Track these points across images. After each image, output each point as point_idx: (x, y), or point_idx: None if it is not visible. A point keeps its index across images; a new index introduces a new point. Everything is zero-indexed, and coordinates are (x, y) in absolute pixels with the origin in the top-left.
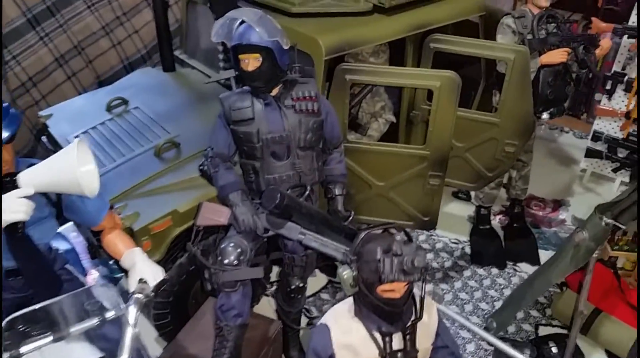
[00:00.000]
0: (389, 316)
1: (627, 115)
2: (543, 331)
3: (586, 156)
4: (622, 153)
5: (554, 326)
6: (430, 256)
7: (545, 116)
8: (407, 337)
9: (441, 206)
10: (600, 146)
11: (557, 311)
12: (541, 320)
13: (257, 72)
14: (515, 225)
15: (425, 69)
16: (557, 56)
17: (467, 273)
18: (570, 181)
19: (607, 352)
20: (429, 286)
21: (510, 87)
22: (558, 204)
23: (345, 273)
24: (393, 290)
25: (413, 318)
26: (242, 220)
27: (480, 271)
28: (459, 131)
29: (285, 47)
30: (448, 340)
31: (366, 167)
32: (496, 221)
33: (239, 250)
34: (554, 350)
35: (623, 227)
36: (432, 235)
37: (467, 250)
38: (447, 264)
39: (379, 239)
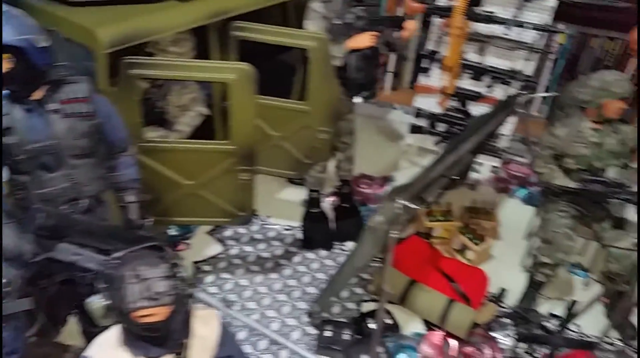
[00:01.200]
0: (154, 340)
1: (443, 91)
2: (366, 308)
3: (410, 131)
4: (442, 127)
5: (375, 301)
6: (262, 246)
7: (358, 99)
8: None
9: (276, 193)
10: (422, 122)
11: (377, 287)
12: (364, 297)
13: (10, 75)
14: (344, 205)
15: (218, 61)
16: (364, 40)
17: (297, 259)
18: (397, 157)
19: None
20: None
21: (314, 75)
22: (385, 181)
23: (95, 303)
24: (151, 314)
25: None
26: (5, 246)
27: (310, 255)
28: (274, 120)
29: (42, 45)
30: (233, 350)
31: (172, 166)
32: (328, 203)
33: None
34: (372, 325)
35: (416, 207)
36: (265, 224)
37: (300, 235)
38: (279, 252)
39: (135, 261)
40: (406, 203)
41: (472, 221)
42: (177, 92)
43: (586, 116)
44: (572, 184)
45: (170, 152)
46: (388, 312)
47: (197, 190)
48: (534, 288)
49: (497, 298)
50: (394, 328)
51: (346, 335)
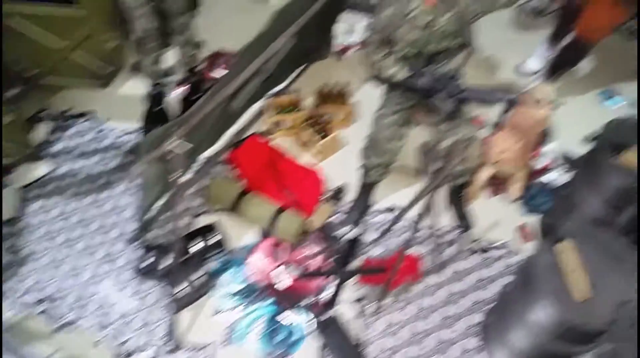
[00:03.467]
0: None
1: None
2: (202, 221)
3: None
4: None
5: (215, 212)
6: (96, 159)
7: None
8: None
9: (118, 87)
10: None
11: (211, 196)
12: (201, 209)
13: None
14: (193, 98)
15: None
16: None
17: (134, 171)
18: (265, 21)
19: None
20: None
21: None
22: None
23: None
24: None
25: None
26: None
27: None
28: (56, 31)
29: None
30: None
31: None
32: (175, 95)
33: None
34: (215, 239)
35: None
36: (101, 130)
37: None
38: (113, 164)
39: None
40: (175, 145)
41: (323, 109)
42: None
43: None
44: (399, 75)
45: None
46: (214, 229)
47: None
48: (366, 187)
49: (335, 197)
50: (220, 245)
51: (168, 260)
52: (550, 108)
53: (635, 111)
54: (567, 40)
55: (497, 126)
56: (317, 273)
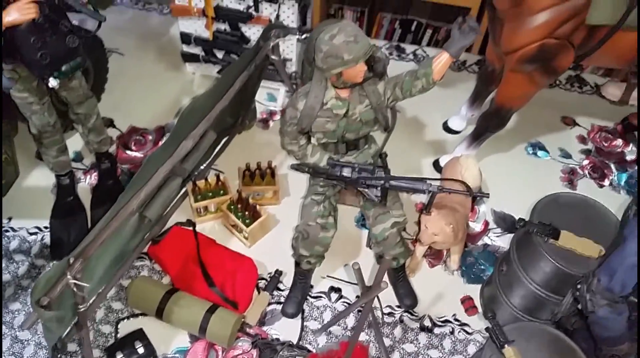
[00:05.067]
0: None
1: (204, 13)
2: (125, 327)
3: (184, 61)
4: (220, 54)
5: (135, 317)
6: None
7: (53, 82)
8: None
9: (23, 179)
10: (194, 49)
11: (132, 299)
12: (123, 313)
13: None
14: (105, 183)
15: None
16: (21, 12)
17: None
18: (181, 90)
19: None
20: None
21: None
22: (161, 131)
23: None
24: None
25: None
26: None
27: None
28: None
29: None
30: None
31: None
32: (86, 183)
33: None
34: (141, 350)
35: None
36: (7, 231)
37: (48, 239)
38: (22, 271)
39: None
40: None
41: (250, 189)
42: None
43: (330, 83)
44: (321, 164)
45: None
46: (141, 337)
47: None
48: (301, 276)
49: (272, 283)
50: (147, 356)
51: None
52: (479, 195)
53: (561, 163)
54: (487, 103)
55: (427, 209)
56: None
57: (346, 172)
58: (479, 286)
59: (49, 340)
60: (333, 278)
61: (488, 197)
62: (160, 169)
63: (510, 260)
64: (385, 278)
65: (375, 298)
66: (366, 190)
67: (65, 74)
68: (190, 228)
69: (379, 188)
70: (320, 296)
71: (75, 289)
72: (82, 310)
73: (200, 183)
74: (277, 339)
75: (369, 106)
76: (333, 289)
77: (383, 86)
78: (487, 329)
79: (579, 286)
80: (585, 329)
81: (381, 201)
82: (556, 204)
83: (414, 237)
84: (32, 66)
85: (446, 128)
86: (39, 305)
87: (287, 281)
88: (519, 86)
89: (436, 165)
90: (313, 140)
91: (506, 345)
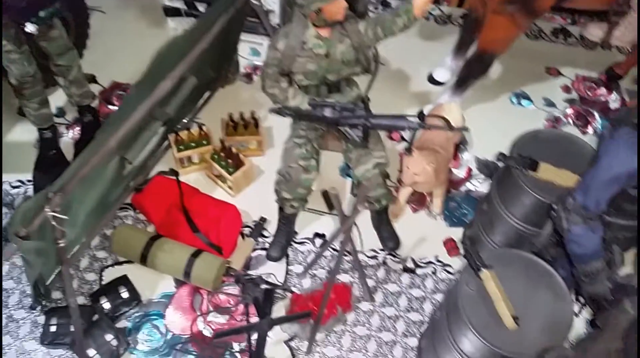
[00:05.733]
0: None
1: None
2: (109, 275)
3: (167, 15)
4: (202, 7)
5: (120, 264)
6: None
7: (30, 27)
8: None
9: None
10: (176, 2)
11: (117, 246)
12: (107, 261)
13: None
14: (89, 136)
15: None
16: None
17: None
18: None
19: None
20: None
21: None
22: None
23: None
24: None
25: None
26: None
27: None
28: None
29: None
30: None
31: None
32: (69, 138)
33: None
34: (125, 295)
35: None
36: None
37: (31, 191)
38: (5, 223)
39: None
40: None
41: (233, 139)
42: None
43: (310, 21)
44: (303, 106)
45: None
46: (125, 283)
47: None
48: (285, 221)
49: (256, 230)
50: (131, 301)
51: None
52: (458, 129)
53: (545, 112)
54: (471, 51)
55: (408, 150)
56: (237, 330)
57: (327, 112)
58: (461, 230)
59: (30, 276)
60: (314, 210)
61: (467, 131)
62: (139, 107)
63: (491, 198)
64: (368, 218)
65: (355, 232)
66: (348, 130)
67: (43, 19)
68: (174, 177)
69: (360, 128)
70: (305, 242)
71: (54, 223)
72: (61, 245)
73: (183, 134)
74: (260, 277)
75: (350, 46)
76: (317, 235)
77: (364, 25)
78: (464, 255)
79: (555, 207)
80: (563, 257)
81: (363, 142)
82: (536, 140)
83: (398, 184)
84: (10, 10)
85: (431, 80)
86: (17, 235)
87: (271, 228)
88: (501, 29)
89: (420, 116)
90: (294, 85)
91: (483, 269)
